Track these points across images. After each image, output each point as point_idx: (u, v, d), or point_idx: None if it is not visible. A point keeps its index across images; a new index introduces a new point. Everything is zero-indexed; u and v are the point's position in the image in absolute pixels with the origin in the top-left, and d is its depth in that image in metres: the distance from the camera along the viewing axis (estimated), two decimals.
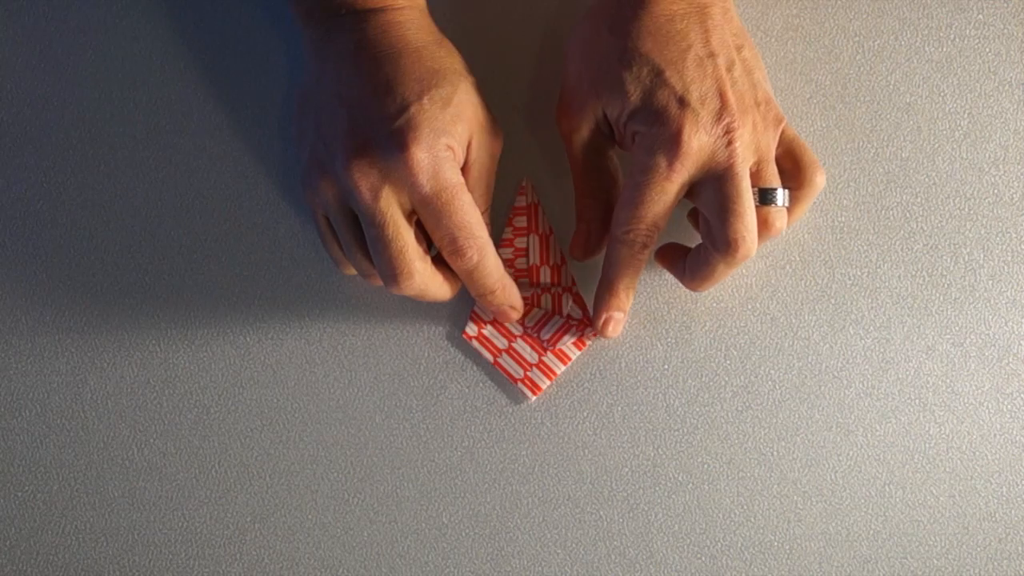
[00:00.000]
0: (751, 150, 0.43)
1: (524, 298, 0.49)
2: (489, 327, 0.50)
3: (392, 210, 0.42)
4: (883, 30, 0.50)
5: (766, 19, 0.50)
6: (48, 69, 0.51)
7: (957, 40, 0.50)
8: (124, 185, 0.51)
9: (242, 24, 0.51)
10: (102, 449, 0.51)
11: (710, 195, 0.43)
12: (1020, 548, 0.50)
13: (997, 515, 0.50)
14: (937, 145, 0.50)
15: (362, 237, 0.44)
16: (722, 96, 0.43)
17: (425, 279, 0.44)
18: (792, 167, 0.46)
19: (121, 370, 0.51)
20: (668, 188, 0.43)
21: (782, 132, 0.45)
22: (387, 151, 0.42)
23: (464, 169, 0.45)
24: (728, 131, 0.43)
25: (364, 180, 0.42)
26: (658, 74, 0.43)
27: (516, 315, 0.48)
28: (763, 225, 0.45)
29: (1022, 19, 0.50)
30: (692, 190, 0.44)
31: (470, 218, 0.43)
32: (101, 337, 0.51)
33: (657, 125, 0.43)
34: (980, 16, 0.50)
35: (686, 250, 0.47)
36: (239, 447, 0.51)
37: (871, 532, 0.50)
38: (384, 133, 0.42)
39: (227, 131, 0.51)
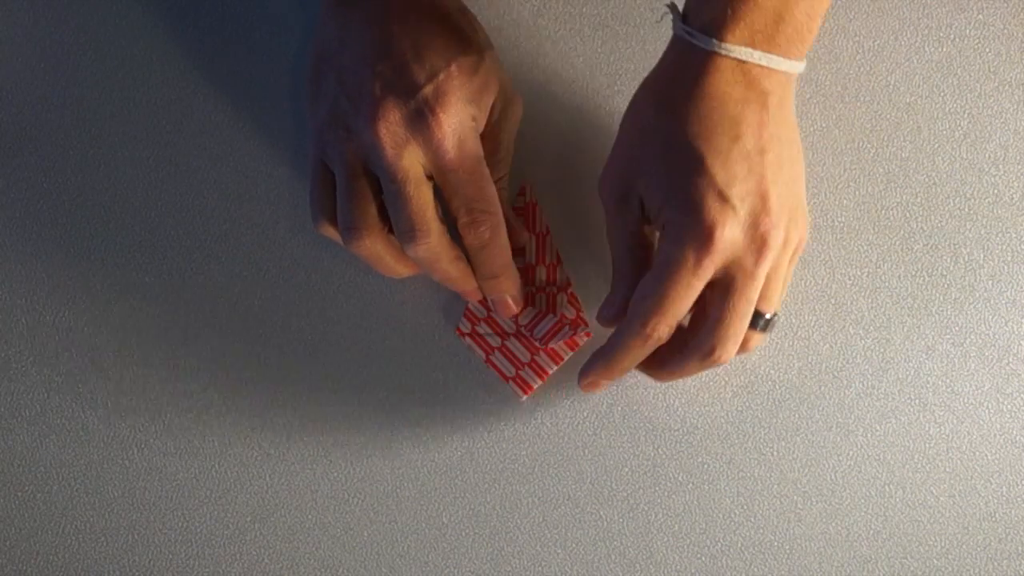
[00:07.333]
0: (774, 263, 0.41)
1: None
2: (483, 324, 0.50)
3: (415, 168, 0.43)
4: (883, 30, 0.50)
5: None
6: (48, 69, 0.51)
7: (957, 40, 0.50)
8: (124, 185, 0.51)
9: (243, 25, 0.51)
10: (102, 449, 0.51)
11: (718, 293, 0.41)
12: (1020, 548, 0.50)
13: (997, 515, 0.50)
14: (937, 145, 0.50)
15: (376, 195, 0.44)
16: (764, 198, 0.40)
17: (443, 241, 0.44)
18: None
19: (121, 370, 0.51)
20: (694, 284, 0.41)
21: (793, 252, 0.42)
22: (416, 115, 0.42)
23: (485, 135, 0.45)
24: (764, 238, 0.40)
25: (390, 137, 0.42)
26: (700, 162, 0.40)
27: (515, 309, 0.48)
28: (743, 343, 0.43)
29: (1022, 19, 0.50)
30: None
31: (490, 192, 0.44)
32: (101, 337, 0.51)
33: (691, 215, 0.40)
34: (980, 16, 0.50)
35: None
36: (239, 447, 0.51)
37: (871, 532, 0.50)
38: (414, 98, 0.42)
39: (227, 130, 0.51)
